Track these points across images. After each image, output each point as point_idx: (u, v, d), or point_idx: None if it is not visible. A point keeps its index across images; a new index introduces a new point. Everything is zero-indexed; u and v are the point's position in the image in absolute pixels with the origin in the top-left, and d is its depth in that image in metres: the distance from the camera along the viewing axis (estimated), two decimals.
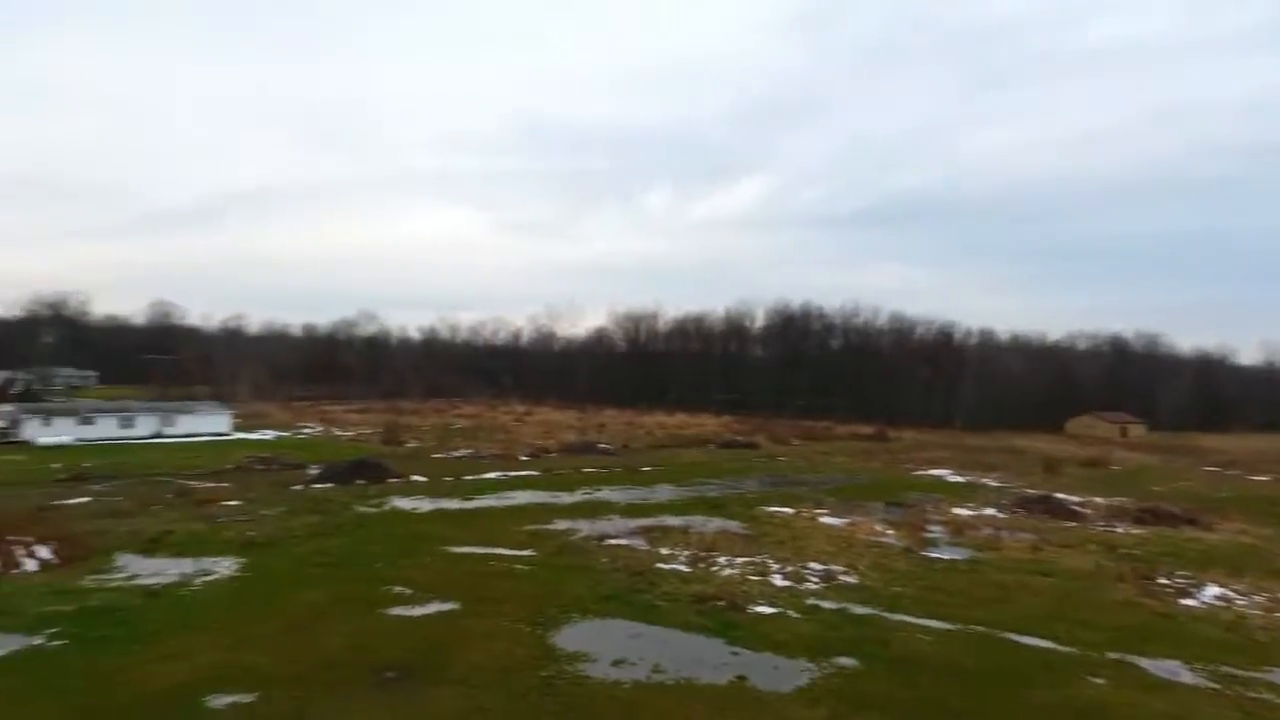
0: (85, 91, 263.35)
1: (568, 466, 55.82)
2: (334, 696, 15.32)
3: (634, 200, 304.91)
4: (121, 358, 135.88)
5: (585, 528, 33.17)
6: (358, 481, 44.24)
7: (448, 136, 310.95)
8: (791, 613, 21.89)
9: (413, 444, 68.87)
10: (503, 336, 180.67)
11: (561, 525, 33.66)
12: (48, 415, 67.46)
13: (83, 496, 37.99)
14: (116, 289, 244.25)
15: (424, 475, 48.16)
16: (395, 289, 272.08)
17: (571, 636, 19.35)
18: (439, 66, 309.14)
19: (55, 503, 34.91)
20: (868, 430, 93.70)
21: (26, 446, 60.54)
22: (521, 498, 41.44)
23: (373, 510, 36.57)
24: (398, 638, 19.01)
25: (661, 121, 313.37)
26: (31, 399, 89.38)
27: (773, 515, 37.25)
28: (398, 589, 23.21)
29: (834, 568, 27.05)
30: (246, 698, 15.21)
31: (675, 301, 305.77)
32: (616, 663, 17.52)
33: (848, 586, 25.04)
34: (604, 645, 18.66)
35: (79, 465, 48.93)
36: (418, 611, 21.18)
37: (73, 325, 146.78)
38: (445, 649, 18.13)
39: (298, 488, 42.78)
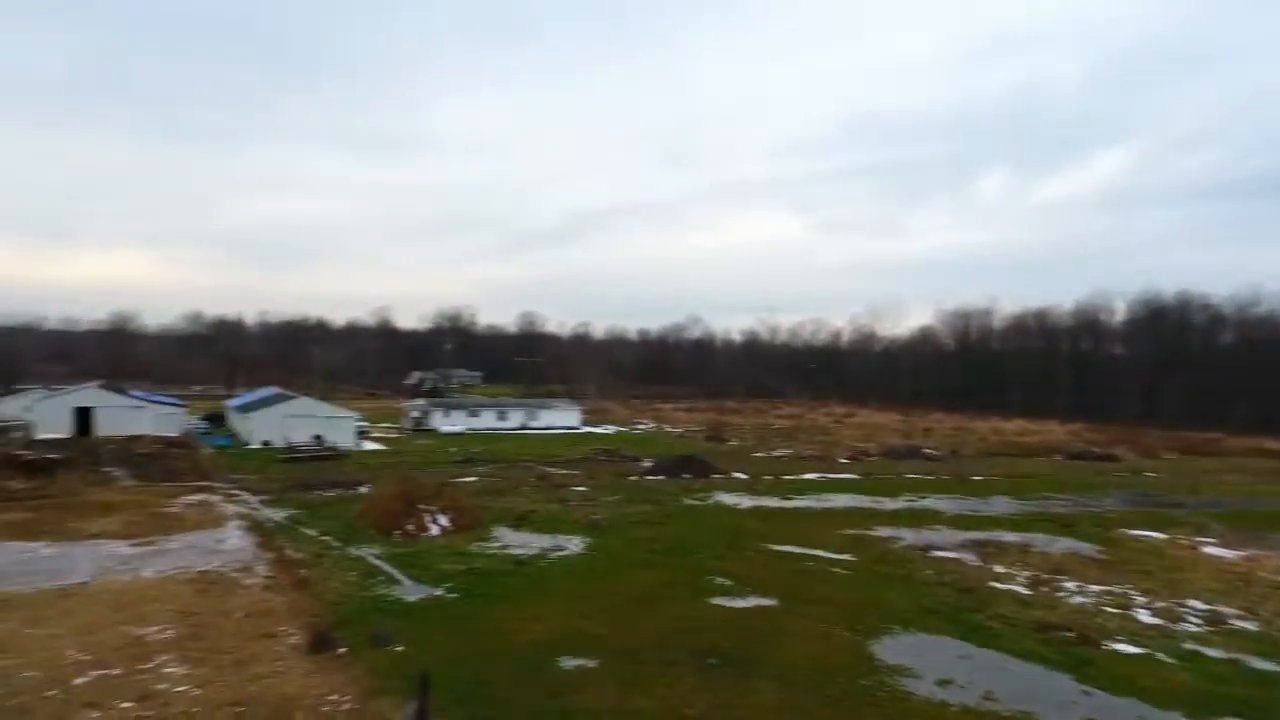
0: (473, 137, 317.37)
1: (890, 471, 53.63)
2: (662, 673, 16.69)
3: (965, 188, 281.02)
4: (499, 360, 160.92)
5: (908, 536, 31.69)
6: (684, 475, 47.25)
7: (771, 142, 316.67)
8: (1162, 656, 18.73)
9: (734, 442, 71.42)
10: (822, 337, 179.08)
11: (882, 532, 32.55)
12: (448, 409, 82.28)
13: (470, 476, 45.86)
14: (495, 302, 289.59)
15: (744, 473, 49.76)
16: (720, 293, 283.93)
17: (892, 648, 18.72)
18: (766, 74, 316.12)
19: (452, 480, 42.53)
20: (1276, 445, 75.58)
21: (433, 433, 74.64)
22: (840, 500, 40.84)
23: (698, 503, 38.81)
24: (719, 626, 20.04)
25: (999, 98, 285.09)
26: (436, 395, 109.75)
27: (1138, 540, 32.03)
28: (720, 580, 24.43)
29: (1224, 609, 22.52)
30: (590, 663, 17.24)
31: (1012, 296, 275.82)
32: (942, 682, 16.58)
33: (1243, 634, 20.69)
34: (928, 661, 17.77)
35: (468, 450, 59.12)
36: (738, 604, 22.09)
37: (465, 334, 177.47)
38: (763, 643, 18.70)
39: (633, 478, 47.00)
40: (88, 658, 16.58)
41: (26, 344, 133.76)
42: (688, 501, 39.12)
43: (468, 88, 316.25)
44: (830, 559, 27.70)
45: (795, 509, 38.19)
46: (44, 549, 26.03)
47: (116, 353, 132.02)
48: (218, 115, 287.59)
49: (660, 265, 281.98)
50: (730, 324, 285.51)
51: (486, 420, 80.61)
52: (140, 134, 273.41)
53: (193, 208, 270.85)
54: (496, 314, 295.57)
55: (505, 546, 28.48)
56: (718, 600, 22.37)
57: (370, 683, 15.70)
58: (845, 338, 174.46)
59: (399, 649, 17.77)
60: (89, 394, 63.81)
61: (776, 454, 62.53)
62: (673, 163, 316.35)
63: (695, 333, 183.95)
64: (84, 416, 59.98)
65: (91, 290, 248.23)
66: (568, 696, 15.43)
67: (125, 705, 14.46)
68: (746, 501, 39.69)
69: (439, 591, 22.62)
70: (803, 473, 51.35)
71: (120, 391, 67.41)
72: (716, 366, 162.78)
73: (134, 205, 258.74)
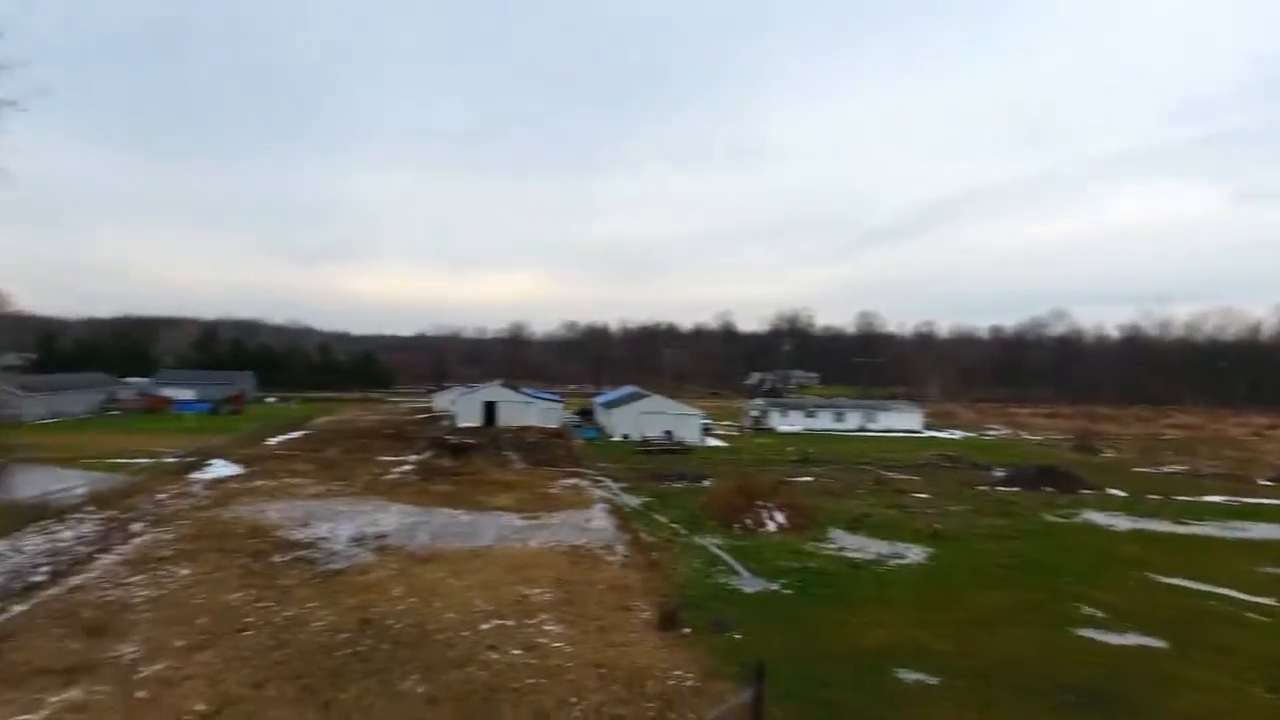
0: (811, 140, 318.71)
1: None
2: (1016, 701, 15.32)
3: None
4: (836, 361, 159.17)
5: None
6: (1045, 489, 42.25)
7: (1159, 104, 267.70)
8: None
9: (1109, 454, 61.96)
10: (1233, 332, 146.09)
11: None
12: (785, 409, 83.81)
13: (806, 476, 46.20)
14: (832, 303, 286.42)
15: (1122, 489, 42.91)
16: (1091, 283, 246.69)
17: None
18: (1158, 19, 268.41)
19: (788, 479, 43.29)
20: None
21: (771, 432, 76.55)
22: (1259, 530, 33.18)
23: (1061, 520, 34.50)
24: (1087, 661, 17.74)
25: None
26: (774, 395, 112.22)
27: None
28: (1088, 609, 21.55)
29: None
30: (931, 679, 16.45)
31: None
32: None
33: None
34: None
35: (805, 450, 59.58)
36: (1113, 640, 19.29)
37: (803, 336, 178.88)
38: (1145, 688, 16.13)
39: (982, 488, 43.30)
40: (490, 608, 20.23)
41: (450, 350, 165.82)
42: (1048, 518, 34.97)
43: (806, 92, 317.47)
44: (1242, 600, 22.77)
45: (1191, 536, 32.00)
46: (462, 516, 32.17)
47: (513, 356, 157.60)
48: (588, 147, 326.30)
49: (1016, 255, 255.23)
50: (1104, 317, 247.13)
51: (823, 421, 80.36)
52: (529, 170, 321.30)
53: (570, 231, 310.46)
54: (834, 315, 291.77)
55: (841, 549, 28.27)
56: (1085, 632, 19.78)
57: (710, 664, 16.83)
58: (1268, 331, 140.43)
59: (737, 637, 18.74)
60: (493, 391, 77.01)
61: (1166, 470, 52.84)
62: (1031, 142, 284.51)
63: (1058, 328, 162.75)
64: (490, 409, 72.55)
65: (496, 304, 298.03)
66: (905, 710, 14.96)
67: (516, 652, 17.39)
68: (1124, 523, 34.24)
69: (775, 586, 23.29)
70: (1204, 494, 42.74)
71: (515, 389, 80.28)
72: (1085, 367, 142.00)
73: (526, 232, 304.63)
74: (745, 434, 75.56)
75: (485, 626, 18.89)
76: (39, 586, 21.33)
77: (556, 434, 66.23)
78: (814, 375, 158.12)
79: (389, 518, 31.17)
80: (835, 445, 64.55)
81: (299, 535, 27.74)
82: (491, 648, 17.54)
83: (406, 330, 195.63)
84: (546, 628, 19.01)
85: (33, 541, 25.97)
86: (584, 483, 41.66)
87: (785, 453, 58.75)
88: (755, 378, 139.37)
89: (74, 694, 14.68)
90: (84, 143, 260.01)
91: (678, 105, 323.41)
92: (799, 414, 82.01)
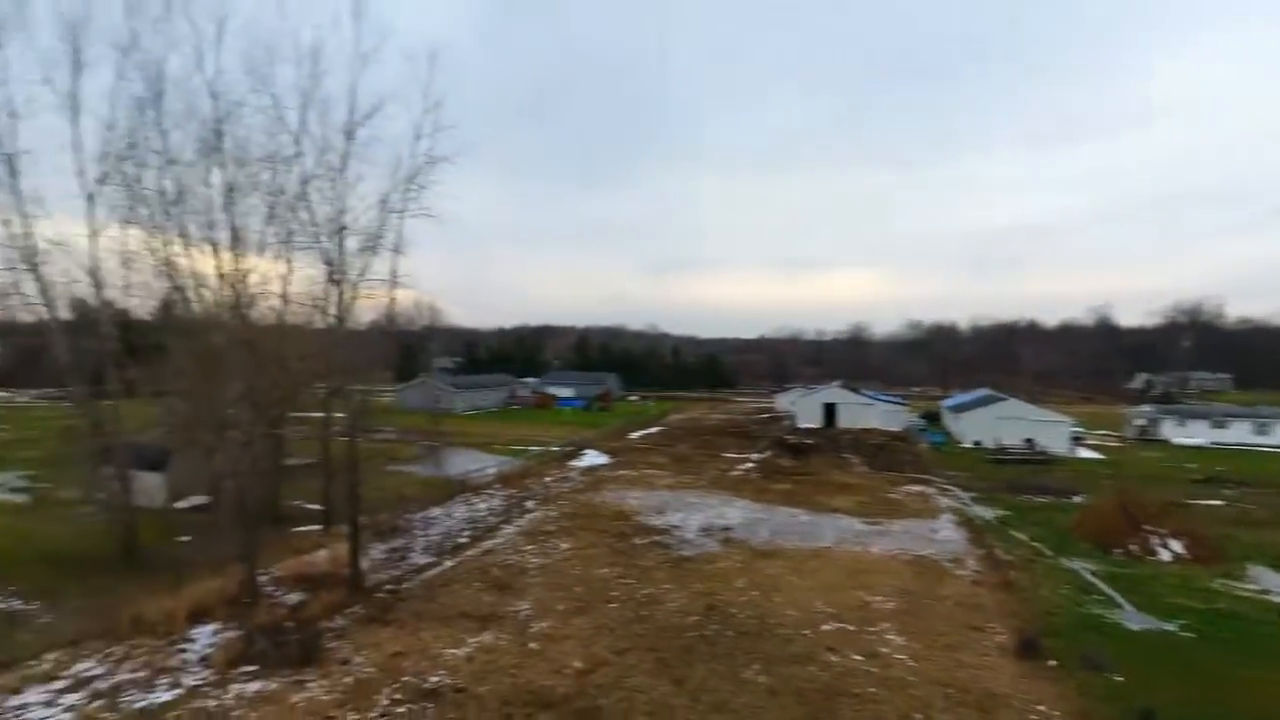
0: (1195, 97, 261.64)
1: None
2: None
3: None
4: (1256, 360, 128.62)
5: None
6: None
7: None
8: None
9: None
10: None
11: None
12: (1183, 417, 70.23)
13: (1213, 499, 38.32)
14: (1251, 289, 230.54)
15: None
16: None
17: None
18: None
19: (1186, 501, 36.36)
20: None
21: (1163, 445, 64.72)
22: None
23: None
24: None
25: None
26: (1168, 401, 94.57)
27: None
28: None
29: None
30: None
31: None
32: None
33: None
34: None
35: (1212, 468, 49.38)
36: None
37: (1208, 329, 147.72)
38: None
39: None
40: (830, 610, 20.36)
41: (791, 352, 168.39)
42: None
43: (1203, 28, 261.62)
44: None
45: None
46: (801, 516, 32.65)
47: (852, 357, 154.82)
48: (936, 133, 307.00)
49: None
50: None
51: (1237, 433, 65.75)
52: (872, 166, 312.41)
53: (913, 225, 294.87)
54: (1253, 303, 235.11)
55: (1265, 590, 23.11)
56: None
57: (1081, 704, 15.11)
58: None
59: (1117, 678, 16.49)
60: (832, 392, 76.44)
61: None
62: None
63: None
64: (829, 410, 72.18)
65: (835, 306, 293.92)
66: None
67: (856, 657, 17.32)
68: None
69: (1169, 626, 19.92)
70: None
71: (855, 390, 78.79)
72: None
73: (866, 230, 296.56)
74: (1128, 445, 64.83)
75: (825, 628, 19.10)
76: (463, 547, 26.55)
77: (899, 438, 63.49)
78: (1224, 377, 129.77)
79: (733, 512, 32.85)
80: (1256, 464, 52.40)
81: (655, 521, 30.60)
82: (831, 649, 17.70)
83: (749, 333, 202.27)
84: (888, 637, 18.61)
85: (458, 510, 32.36)
86: (929, 490, 39.49)
87: (1183, 470, 49.24)
88: (1141, 380, 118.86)
89: (486, 638, 18.12)
90: (487, 179, 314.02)
91: (1036, 74, 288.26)
92: (1202, 424, 68.08)
